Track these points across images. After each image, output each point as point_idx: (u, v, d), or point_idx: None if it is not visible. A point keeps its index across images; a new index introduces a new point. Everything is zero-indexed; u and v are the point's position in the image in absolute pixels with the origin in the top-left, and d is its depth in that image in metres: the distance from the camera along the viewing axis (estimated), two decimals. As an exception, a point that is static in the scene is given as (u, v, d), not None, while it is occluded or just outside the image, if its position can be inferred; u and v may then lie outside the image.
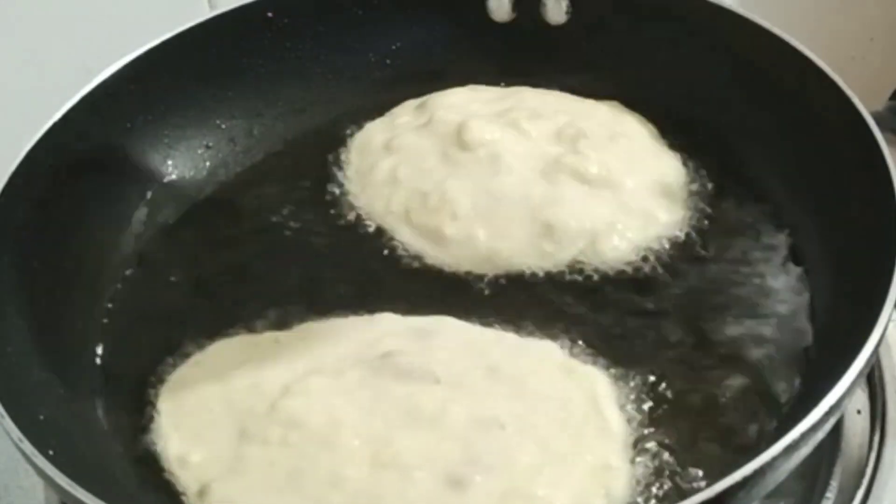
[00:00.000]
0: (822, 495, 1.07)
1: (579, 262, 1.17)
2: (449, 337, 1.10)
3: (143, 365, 1.11)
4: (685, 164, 1.26)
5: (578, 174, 1.22)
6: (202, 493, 1.00)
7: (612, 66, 1.37)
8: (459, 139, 1.27)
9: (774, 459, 0.87)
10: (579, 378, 1.05)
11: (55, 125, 1.18)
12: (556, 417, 1.02)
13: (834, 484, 1.08)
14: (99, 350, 1.14)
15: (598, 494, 0.97)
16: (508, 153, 1.25)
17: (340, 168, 1.31)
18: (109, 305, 1.18)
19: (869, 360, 0.93)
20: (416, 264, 1.20)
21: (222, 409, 1.05)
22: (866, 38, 1.34)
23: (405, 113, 1.36)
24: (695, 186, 1.24)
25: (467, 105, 1.34)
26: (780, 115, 1.21)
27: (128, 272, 1.21)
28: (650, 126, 1.31)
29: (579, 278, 1.16)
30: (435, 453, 0.99)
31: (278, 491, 0.99)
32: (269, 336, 1.13)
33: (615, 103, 1.34)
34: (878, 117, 1.09)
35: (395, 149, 1.29)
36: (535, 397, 1.03)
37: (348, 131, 1.35)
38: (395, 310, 1.14)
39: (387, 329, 1.12)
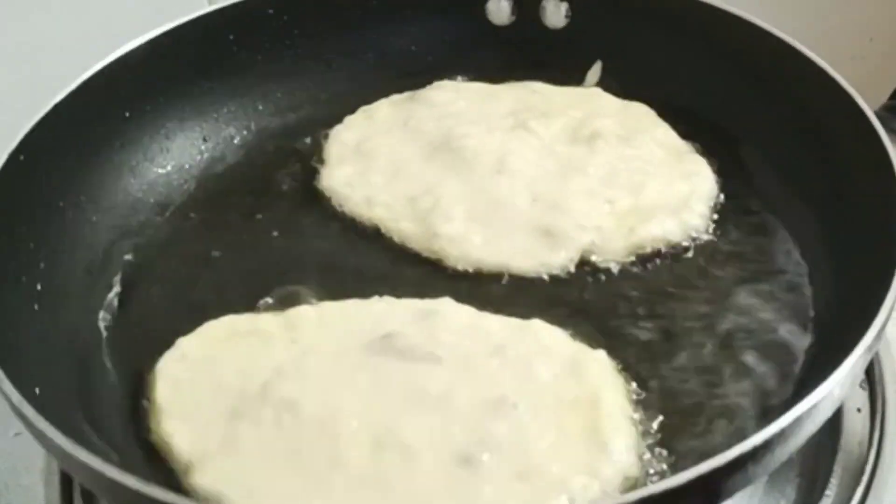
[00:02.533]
0: (821, 494, 1.07)
1: (582, 260, 1.16)
2: (451, 318, 1.09)
3: (139, 345, 1.11)
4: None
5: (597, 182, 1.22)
6: (190, 469, 0.98)
7: (612, 69, 1.37)
8: (449, 146, 1.27)
9: (779, 434, 0.87)
10: (585, 359, 1.05)
11: (53, 109, 1.17)
12: (566, 397, 1.01)
13: (834, 483, 1.07)
14: (96, 331, 1.13)
15: (610, 470, 0.96)
16: (513, 156, 1.25)
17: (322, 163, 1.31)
18: (105, 290, 1.17)
19: (870, 348, 0.93)
20: (410, 257, 1.19)
21: (212, 390, 1.04)
22: (866, 38, 1.34)
23: (385, 107, 1.36)
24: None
25: (453, 104, 1.34)
26: (782, 115, 1.21)
27: (124, 259, 1.20)
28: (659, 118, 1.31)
29: (582, 275, 1.15)
30: (441, 435, 0.98)
31: (275, 470, 0.97)
32: (262, 318, 1.12)
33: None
34: (878, 117, 1.09)
35: (364, 153, 1.29)
36: (543, 377, 1.03)
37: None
38: (392, 295, 1.13)
39: (386, 311, 1.10)
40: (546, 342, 1.07)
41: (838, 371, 0.90)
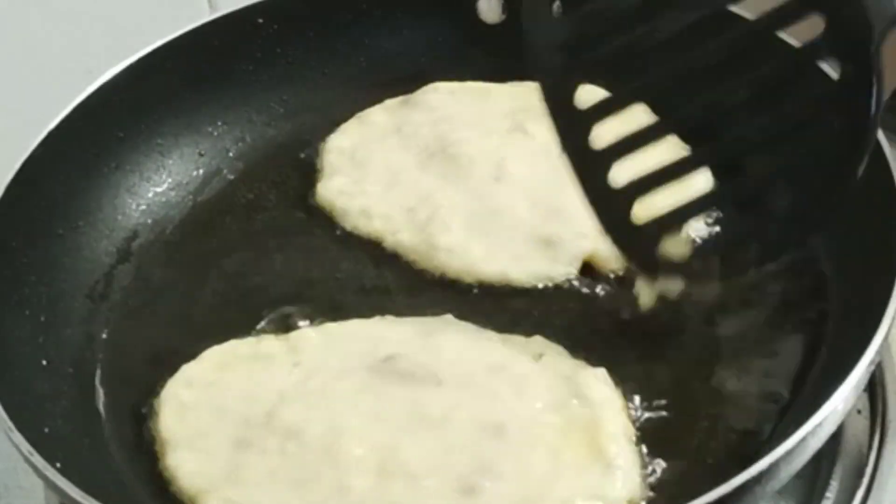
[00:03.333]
0: (822, 495, 1.07)
1: (584, 268, 1.16)
2: (452, 337, 1.09)
3: (143, 373, 1.10)
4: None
5: None
6: (196, 501, 0.99)
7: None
8: (446, 153, 1.26)
9: (780, 460, 0.88)
10: (586, 378, 1.05)
11: (47, 137, 1.17)
12: (567, 417, 1.01)
13: (834, 484, 1.08)
14: (100, 359, 1.13)
15: (614, 494, 0.97)
16: (511, 162, 1.24)
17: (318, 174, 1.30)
18: (108, 315, 1.17)
19: (868, 368, 0.93)
20: (410, 270, 1.19)
21: (217, 418, 1.04)
22: (865, 38, 1.33)
23: (379, 113, 1.35)
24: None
25: (448, 107, 1.33)
26: (780, 115, 1.20)
27: (125, 283, 1.20)
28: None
29: (584, 284, 1.15)
30: (443, 461, 0.98)
31: (281, 499, 0.97)
32: (264, 341, 1.11)
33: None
34: (878, 117, 1.09)
35: (360, 162, 1.28)
36: (542, 399, 1.03)
37: (338, 135, 1.35)
38: (391, 313, 1.13)
39: (387, 331, 1.11)
40: (547, 360, 1.07)
41: (843, 387, 0.91)
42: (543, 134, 1.25)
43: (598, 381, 1.05)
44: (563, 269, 1.15)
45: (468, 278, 1.16)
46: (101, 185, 1.24)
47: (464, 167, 1.25)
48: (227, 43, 1.33)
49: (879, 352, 0.93)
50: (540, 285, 1.15)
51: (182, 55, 1.30)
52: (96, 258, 1.20)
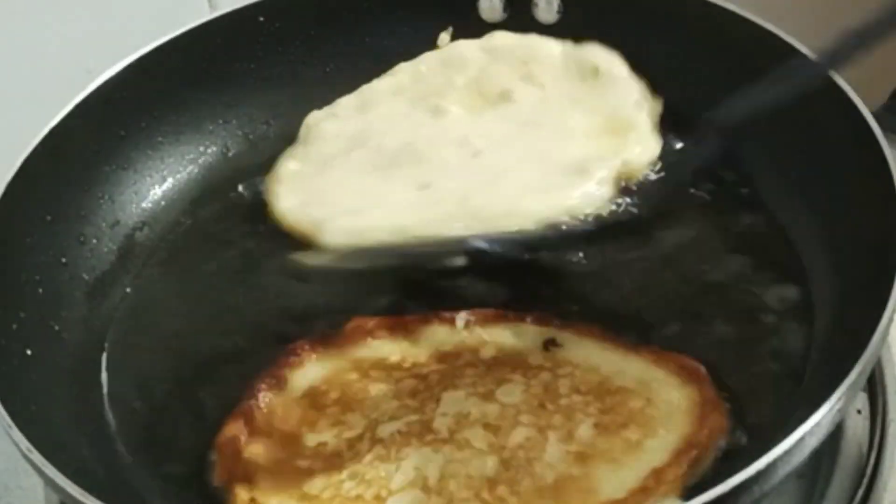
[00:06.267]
0: (822, 495, 1.07)
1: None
2: None
3: (145, 370, 1.12)
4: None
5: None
6: None
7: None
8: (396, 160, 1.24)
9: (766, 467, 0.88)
10: None
11: (48, 136, 1.18)
12: None
13: (834, 485, 1.08)
14: (100, 357, 1.14)
15: None
16: (469, 137, 1.24)
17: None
18: (108, 314, 1.17)
19: (867, 367, 0.93)
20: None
21: None
22: (866, 37, 1.33)
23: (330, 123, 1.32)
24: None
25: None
26: (779, 115, 1.20)
27: (126, 281, 1.21)
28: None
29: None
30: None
31: None
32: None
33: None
34: (877, 117, 1.09)
35: (318, 188, 1.25)
36: None
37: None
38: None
39: None
40: None
41: (841, 386, 0.91)
42: (459, 111, 1.28)
43: None
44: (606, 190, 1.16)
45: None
46: (101, 184, 1.24)
47: (427, 160, 1.23)
48: (229, 41, 1.34)
49: (878, 352, 0.93)
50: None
51: (183, 54, 1.30)
52: (97, 257, 1.20)
